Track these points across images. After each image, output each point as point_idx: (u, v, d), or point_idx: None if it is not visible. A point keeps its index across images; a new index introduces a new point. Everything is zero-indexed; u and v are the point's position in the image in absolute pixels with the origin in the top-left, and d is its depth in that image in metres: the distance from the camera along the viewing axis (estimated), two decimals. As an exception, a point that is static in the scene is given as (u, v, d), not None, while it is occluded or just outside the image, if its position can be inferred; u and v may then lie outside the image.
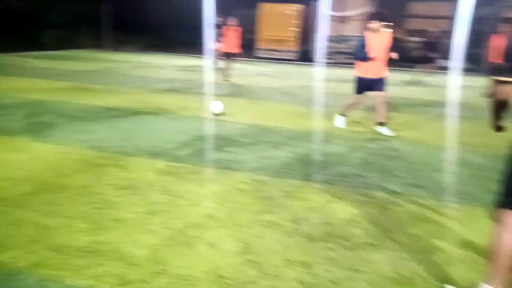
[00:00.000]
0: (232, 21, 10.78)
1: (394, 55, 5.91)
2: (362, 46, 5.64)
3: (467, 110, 7.19)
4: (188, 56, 18.49)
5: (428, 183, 3.86)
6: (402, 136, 5.61)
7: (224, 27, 10.76)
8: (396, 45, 20.81)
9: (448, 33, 16.40)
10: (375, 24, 5.58)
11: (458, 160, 4.51)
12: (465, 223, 3.04)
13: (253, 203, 3.25)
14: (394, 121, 6.56)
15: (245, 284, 2.21)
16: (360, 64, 5.76)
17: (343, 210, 3.19)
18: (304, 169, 4.13)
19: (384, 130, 5.75)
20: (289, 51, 18.60)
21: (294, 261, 2.45)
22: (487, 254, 2.08)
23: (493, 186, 2.36)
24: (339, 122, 6.11)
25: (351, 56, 16.89)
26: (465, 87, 9.14)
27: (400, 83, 11.81)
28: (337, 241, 2.71)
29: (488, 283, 2.02)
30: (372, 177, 3.96)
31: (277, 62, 17.65)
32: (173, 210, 3.06)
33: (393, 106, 7.96)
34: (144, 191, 3.39)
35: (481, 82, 7.30)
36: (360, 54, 5.65)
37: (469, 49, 4.54)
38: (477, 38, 8.47)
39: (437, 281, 2.30)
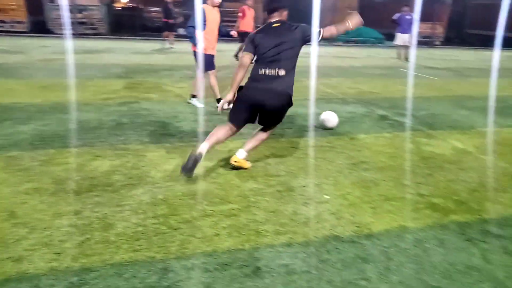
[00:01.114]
0: None
1: (234, 34, 6.17)
2: (202, 20, 5.14)
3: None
4: None
5: (174, 131, 4.60)
6: (150, 97, 6.24)
7: None
8: (138, 15, 20.91)
9: (182, 3, 17.91)
10: None
11: (197, 110, 5.48)
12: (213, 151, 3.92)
13: (9, 177, 3.20)
14: (143, 85, 7.13)
15: (17, 241, 2.34)
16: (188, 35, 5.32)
17: (104, 164, 3.54)
18: (59, 138, 4.18)
19: (197, 103, 5.74)
20: (17, 22, 16.30)
21: (62, 212, 2.70)
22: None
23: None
24: (196, 102, 5.83)
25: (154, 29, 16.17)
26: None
27: (145, 51, 12.41)
28: (102, 188, 3.08)
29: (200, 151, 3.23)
30: (127, 134, 4.40)
31: (6, 35, 15.29)
32: None
33: (142, 72, 8.51)
34: None
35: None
36: (192, 31, 5.18)
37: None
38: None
39: (183, 198, 3.02)
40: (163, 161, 3.68)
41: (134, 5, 20.72)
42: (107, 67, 8.99)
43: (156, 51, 12.66)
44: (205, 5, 5.27)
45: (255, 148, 3.60)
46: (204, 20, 5.17)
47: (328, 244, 2.52)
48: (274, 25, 3.34)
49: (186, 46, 13.41)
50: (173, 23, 13.63)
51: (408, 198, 3.20)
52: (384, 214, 2.93)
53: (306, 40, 3.34)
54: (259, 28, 3.43)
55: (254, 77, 3.32)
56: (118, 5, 20.68)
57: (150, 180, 3.27)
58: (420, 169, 3.79)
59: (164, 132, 4.53)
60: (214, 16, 5.34)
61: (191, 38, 5.24)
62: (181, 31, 16.68)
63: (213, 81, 5.63)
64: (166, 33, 13.66)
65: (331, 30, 3.37)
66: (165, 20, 13.40)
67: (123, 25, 18.75)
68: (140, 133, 4.46)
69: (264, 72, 3.27)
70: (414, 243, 2.56)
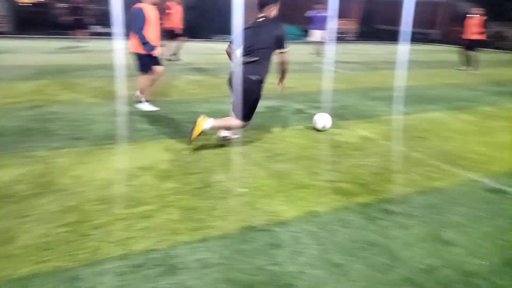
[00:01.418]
0: None
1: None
2: (142, 20, 5.00)
3: (120, 70, 8.07)
4: None
5: (87, 134, 4.41)
6: (61, 100, 5.89)
7: None
8: (48, 12, 19.45)
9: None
10: None
11: (111, 111, 5.30)
12: (128, 153, 3.83)
13: None
14: (54, 87, 6.71)
15: None
16: (140, 40, 5.10)
17: (6, 175, 3.30)
18: (-46, 149, 3.82)
19: (147, 106, 5.54)
20: None
21: (-43, 229, 2.49)
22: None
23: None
24: (146, 106, 5.50)
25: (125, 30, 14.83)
26: (119, 50, 10.11)
27: (55, 50, 11.65)
28: (3, 200, 2.88)
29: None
30: (34, 140, 4.13)
31: None
32: None
33: (52, 73, 7.98)
34: None
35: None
36: (140, 32, 5.03)
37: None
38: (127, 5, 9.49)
39: (98, 202, 2.93)
40: (73, 167, 3.52)
41: (43, 1, 19.22)
42: (13, 68, 8.31)
43: (68, 50, 11.92)
44: (142, 4, 5.10)
45: (220, 126, 4.06)
46: (145, 20, 5.04)
47: (243, 234, 2.62)
48: (259, 20, 3.94)
49: (103, 44, 12.85)
50: (83, 19, 12.95)
51: (318, 185, 3.41)
52: (295, 201, 3.10)
53: (280, 39, 3.88)
54: (249, 23, 3.97)
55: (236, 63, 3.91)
56: (24, 1, 19.06)
57: (59, 188, 3.12)
58: (329, 157, 4.06)
59: (75, 136, 4.33)
60: (154, 14, 5.22)
61: (145, 44, 5.07)
62: (97, 28, 15.86)
63: (150, 81, 5.49)
64: (77, 31, 12.91)
65: (287, 60, 4.13)
66: (75, 17, 12.68)
67: (31, 22, 17.33)
68: (49, 139, 4.21)
69: (242, 60, 3.86)
70: (321, 225, 2.76)
